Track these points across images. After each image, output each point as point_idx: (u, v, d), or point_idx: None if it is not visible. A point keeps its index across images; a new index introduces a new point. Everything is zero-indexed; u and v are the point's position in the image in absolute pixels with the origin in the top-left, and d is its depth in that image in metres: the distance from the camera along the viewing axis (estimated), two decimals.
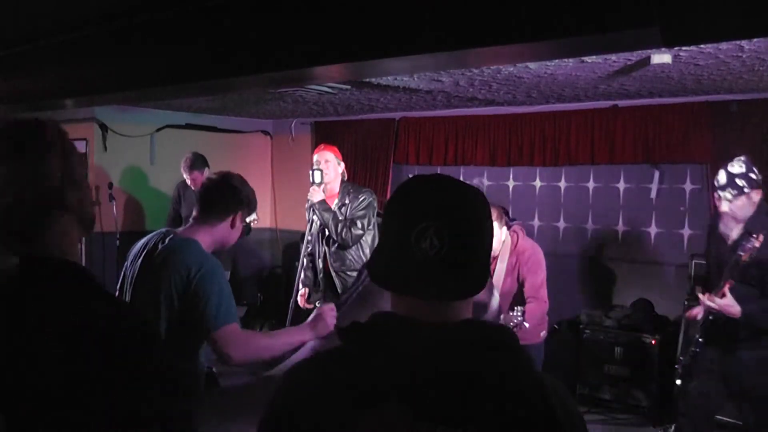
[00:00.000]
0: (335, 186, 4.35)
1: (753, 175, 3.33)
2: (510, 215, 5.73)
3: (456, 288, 1.09)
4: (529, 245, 3.91)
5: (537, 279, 3.84)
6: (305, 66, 2.76)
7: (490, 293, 2.33)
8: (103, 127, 6.48)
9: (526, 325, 3.50)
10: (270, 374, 2.35)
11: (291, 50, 2.74)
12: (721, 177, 3.35)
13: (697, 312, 3.55)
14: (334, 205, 4.30)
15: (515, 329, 3.48)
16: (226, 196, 2.52)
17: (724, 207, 3.35)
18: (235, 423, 2.14)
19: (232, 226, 2.50)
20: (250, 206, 2.53)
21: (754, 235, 3.18)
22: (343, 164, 4.42)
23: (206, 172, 5.75)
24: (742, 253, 3.18)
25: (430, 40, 2.32)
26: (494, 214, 3.64)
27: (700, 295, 3.35)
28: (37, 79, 4.02)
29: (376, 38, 2.46)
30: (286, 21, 2.75)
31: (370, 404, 1.02)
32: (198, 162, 5.84)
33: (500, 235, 3.80)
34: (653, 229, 5.59)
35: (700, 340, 3.46)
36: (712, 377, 3.46)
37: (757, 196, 3.32)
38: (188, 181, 5.87)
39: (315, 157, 4.39)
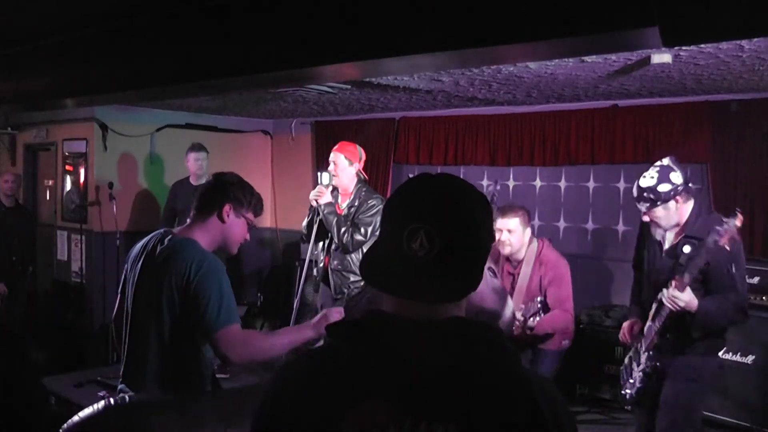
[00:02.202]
0: (349, 186, 4.33)
1: (665, 186, 3.07)
2: None
3: (444, 291, 1.10)
4: (553, 257, 3.85)
5: (561, 292, 3.79)
6: (305, 66, 2.76)
7: (504, 302, 2.31)
8: (103, 127, 6.48)
9: (541, 315, 3.52)
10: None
11: (291, 50, 2.74)
12: (634, 189, 3.17)
13: (631, 325, 3.37)
14: (345, 204, 4.29)
15: (533, 317, 3.48)
16: (212, 190, 2.53)
17: (645, 217, 3.18)
18: (238, 425, 2.14)
19: (222, 219, 2.46)
20: (239, 200, 2.49)
21: (726, 219, 2.93)
22: (357, 165, 4.35)
23: (203, 157, 5.96)
24: (718, 238, 2.90)
25: (430, 40, 2.32)
26: (519, 215, 3.81)
27: (665, 294, 3.05)
28: (37, 79, 4.02)
29: (377, 38, 2.46)
30: (286, 21, 2.75)
31: (357, 400, 1.03)
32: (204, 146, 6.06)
33: (524, 237, 3.83)
34: None
35: (651, 353, 3.23)
36: (654, 405, 3.26)
37: (675, 204, 3.09)
38: (198, 165, 5.93)
39: (330, 156, 4.37)
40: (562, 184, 6.06)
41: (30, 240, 6.74)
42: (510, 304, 2.33)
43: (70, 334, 6.42)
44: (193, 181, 5.92)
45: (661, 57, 3.60)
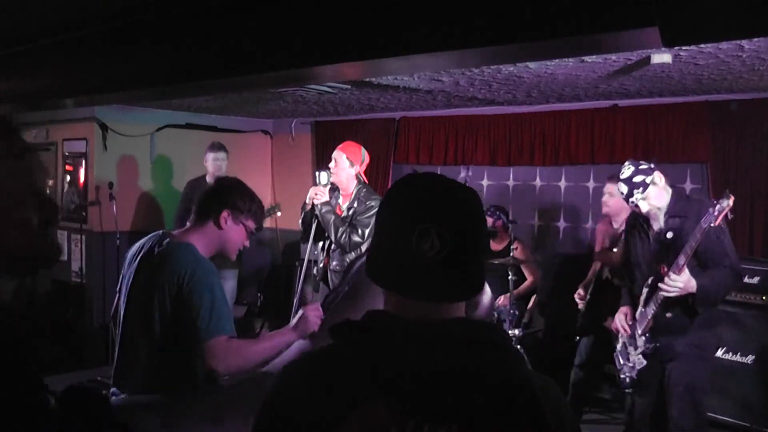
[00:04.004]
0: (348, 186, 4.31)
1: (644, 166, 3.35)
2: (510, 215, 5.76)
3: (455, 289, 1.11)
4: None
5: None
6: (305, 66, 2.76)
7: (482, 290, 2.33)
8: (103, 127, 6.48)
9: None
10: (264, 371, 2.34)
11: (291, 50, 2.74)
12: (622, 188, 3.37)
13: (624, 313, 3.54)
14: (345, 205, 4.28)
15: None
16: (212, 196, 2.52)
17: (644, 208, 3.34)
18: (231, 420, 2.14)
19: (219, 226, 2.45)
20: (238, 207, 2.47)
21: (719, 200, 3.07)
22: (358, 167, 4.32)
23: (222, 157, 5.90)
24: (713, 219, 3.05)
25: (430, 40, 2.32)
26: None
27: (665, 281, 3.17)
28: (37, 79, 4.02)
29: (377, 38, 2.46)
30: (286, 21, 2.75)
31: (359, 401, 1.03)
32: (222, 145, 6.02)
33: (621, 204, 4.13)
34: None
35: (648, 335, 3.39)
36: (653, 387, 3.46)
37: (660, 179, 3.33)
38: (217, 165, 5.87)
39: (333, 154, 4.37)
40: (562, 183, 6.06)
41: None
42: (488, 291, 2.35)
43: (70, 334, 6.42)
44: (209, 180, 5.89)
45: (661, 57, 3.60)
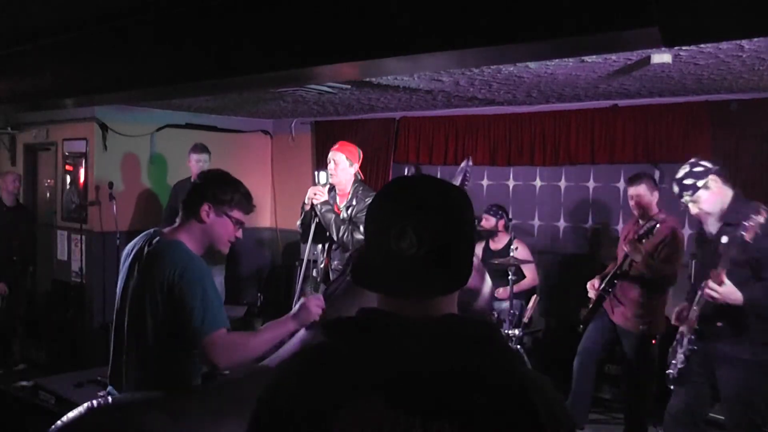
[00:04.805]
0: (346, 186, 4.32)
1: (699, 168, 3.29)
2: (510, 215, 5.76)
3: (437, 285, 1.11)
4: (671, 224, 4.37)
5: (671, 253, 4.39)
6: (306, 66, 2.76)
7: (483, 279, 2.34)
8: (103, 127, 6.48)
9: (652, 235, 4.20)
10: (262, 365, 2.34)
11: (291, 50, 2.74)
12: (675, 188, 3.37)
13: (681, 309, 3.53)
14: (343, 204, 4.28)
15: (645, 237, 4.22)
16: (193, 189, 2.50)
17: (694, 210, 3.33)
18: (231, 416, 2.14)
19: (201, 220, 2.42)
20: (219, 199, 2.43)
21: (753, 215, 3.06)
22: (356, 165, 4.35)
23: (204, 158, 5.93)
24: (744, 233, 3.05)
25: (430, 40, 2.32)
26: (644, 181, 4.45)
27: (707, 287, 3.16)
28: (37, 79, 4.02)
29: (377, 38, 2.46)
30: (286, 21, 2.75)
31: (352, 397, 1.04)
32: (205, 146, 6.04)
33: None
34: None
35: (692, 337, 3.39)
36: (698, 386, 3.44)
37: (715, 184, 3.26)
38: (199, 166, 5.89)
39: (329, 155, 4.36)
40: (562, 184, 6.06)
41: (30, 240, 6.74)
42: (488, 281, 2.35)
43: (70, 334, 6.42)
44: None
45: (661, 57, 3.60)
